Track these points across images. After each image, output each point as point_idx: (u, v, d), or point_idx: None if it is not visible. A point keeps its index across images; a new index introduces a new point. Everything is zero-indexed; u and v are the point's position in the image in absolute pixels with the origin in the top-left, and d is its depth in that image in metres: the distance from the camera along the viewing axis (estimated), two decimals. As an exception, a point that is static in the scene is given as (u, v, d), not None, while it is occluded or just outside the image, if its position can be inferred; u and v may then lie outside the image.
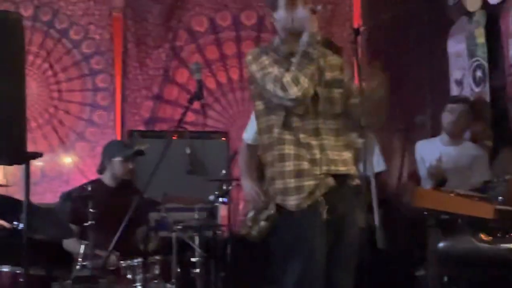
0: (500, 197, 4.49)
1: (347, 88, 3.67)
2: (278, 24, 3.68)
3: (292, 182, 3.50)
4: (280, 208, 3.53)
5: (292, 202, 3.49)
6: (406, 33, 6.57)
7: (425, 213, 4.58)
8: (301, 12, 3.52)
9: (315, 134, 3.55)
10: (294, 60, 3.49)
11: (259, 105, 3.64)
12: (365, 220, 3.58)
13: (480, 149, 5.38)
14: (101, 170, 5.41)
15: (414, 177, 5.45)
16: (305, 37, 3.50)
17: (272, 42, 3.77)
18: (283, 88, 3.43)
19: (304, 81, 3.43)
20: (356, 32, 3.63)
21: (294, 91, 3.42)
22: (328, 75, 3.64)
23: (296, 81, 3.42)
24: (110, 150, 5.41)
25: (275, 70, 3.50)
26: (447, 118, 5.36)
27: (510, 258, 3.87)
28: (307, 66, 3.45)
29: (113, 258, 4.74)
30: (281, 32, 3.68)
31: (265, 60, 3.56)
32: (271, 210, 3.56)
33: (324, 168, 3.52)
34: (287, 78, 3.43)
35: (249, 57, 3.63)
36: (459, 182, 5.09)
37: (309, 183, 3.49)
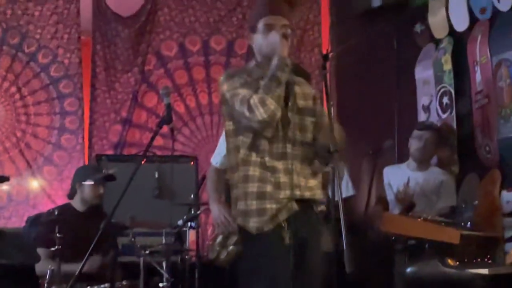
0: (468, 223, 4.54)
1: (318, 119, 3.70)
2: (255, 47, 3.72)
3: (254, 204, 3.50)
4: (241, 229, 3.53)
5: (252, 224, 3.48)
6: (374, 59, 6.62)
7: (393, 238, 4.61)
8: (273, 36, 3.55)
9: (281, 158, 3.55)
10: (262, 82, 3.51)
11: (229, 125, 3.65)
12: (332, 244, 3.59)
13: (447, 175, 5.43)
14: (71, 195, 5.37)
15: (382, 202, 5.48)
16: (274, 61, 3.52)
17: (248, 65, 3.80)
18: (250, 110, 3.45)
19: (271, 104, 3.44)
20: (325, 58, 3.65)
21: (261, 113, 3.43)
22: (301, 103, 3.66)
23: (262, 103, 3.43)
24: (81, 174, 5.38)
25: (244, 92, 3.51)
26: (414, 144, 5.41)
27: (476, 283, 3.89)
28: (274, 89, 3.47)
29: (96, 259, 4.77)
30: (257, 55, 3.71)
31: (236, 81, 3.58)
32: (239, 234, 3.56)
33: (288, 192, 3.52)
34: (255, 100, 3.45)
35: (221, 78, 3.66)
36: (426, 207, 5.14)
37: (271, 206, 3.49)
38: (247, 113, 3.46)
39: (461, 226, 4.50)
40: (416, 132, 5.42)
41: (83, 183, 5.29)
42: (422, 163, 5.43)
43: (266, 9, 3.67)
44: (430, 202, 5.29)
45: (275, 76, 3.49)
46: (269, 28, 3.61)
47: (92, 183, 5.27)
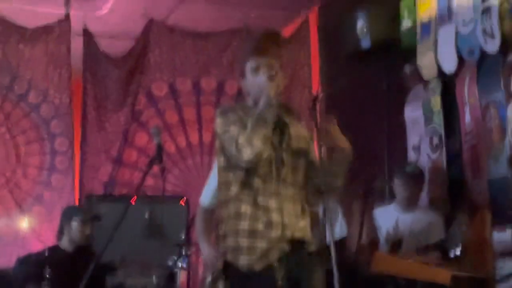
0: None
1: (310, 160, 3.71)
2: (245, 90, 3.74)
3: (244, 242, 3.49)
4: (229, 266, 3.51)
5: (242, 262, 3.47)
6: (364, 99, 6.65)
7: (384, 278, 4.60)
8: (260, 79, 3.58)
9: (274, 197, 3.56)
10: (249, 122, 3.52)
11: (221, 161, 3.66)
12: (324, 284, 3.58)
13: (435, 214, 5.44)
14: (59, 236, 5.36)
15: (374, 244, 5.48)
16: (262, 101, 3.54)
17: (245, 102, 3.82)
18: (237, 149, 3.46)
19: (257, 143, 3.45)
20: (315, 98, 3.68)
21: (247, 153, 3.44)
22: (295, 144, 3.68)
23: (249, 143, 3.44)
24: (67, 214, 5.39)
25: (234, 130, 3.53)
26: (399, 193, 5.42)
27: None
28: (261, 128, 3.48)
29: None
30: (248, 98, 3.73)
31: (230, 117, 3.60)
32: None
33: (279, 232, 3.52)
34: (241, 139, 3.46)
35: (217, 112, 3.67)
36: (415, 247, 5.12)
37: (261, 245, 3.47)
38: (234, 152, 3.48)
39: (451, 262, 4.50)
40: (398, 181, 5.43)
41: (70, 223, 5.28)
42: (410, 205, 5.44)
43: (252, 51, 3.68)
44: (419, 242, 5.28)
45: (261, 116, 3.51)
46: (255, 70, 3.63)
47: (79, 222, 5.26)
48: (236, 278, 3.51)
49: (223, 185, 3.63)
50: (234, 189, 3.56)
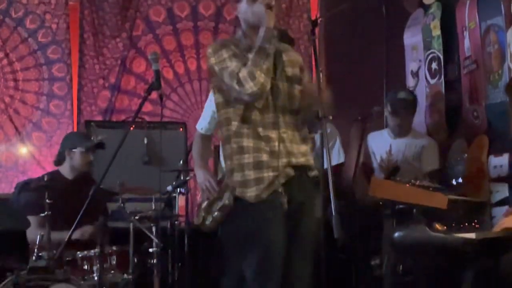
0: (460, 178, 4.58)
1: (304, 87, 3.71)
2: (240, 17, 3.70)
3: (251, 174, 3.53)
4: (238, 199, 3.55)
5: (251, 193, 3.51)
6: (363, 24, 6.61)
7: (381, 203, 4.64)
8: (258, 7, 3.54)
9: (274, 127, 3.58)
10: (250, 55, 3.51)
11: (218, 98, 3.67)
12: (322, 210, 3.62)
13: (429, 139, 5.46)
14: (58, 162, 5.35)
15: (366, 168, 5.51)
16: (261, 32, 3.52)
17: (235, 35, 3.80)
18: (240, 83, 3.46)
19: (260, 76, 3.46)
20: (314, 23, 3.65)
21: (250, 86, 3.45)
22: (289, 71, 3.68)
23: (252, 76, 3.45)
24: (70, 141, 5.35)
25: (232, 65, 3.52)
26: (391, 120, 5.42)
27: (464, 248, 3.92)
28: (263, 61, 3.48)
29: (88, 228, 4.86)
30: (243, 25, 3.71)
31: (224, 53, 3.58)
32: (226, 200, 3.58)
33: (284, 160, 3.55)
34: (243, 73, 3.46)
35: (209, 50, 3.66)
36: (408, 172, 5.15)
37: (268, 174, 3.52)
38: (236, 87, 3.48)
39: (450, 189, 4.53)
40: (390, 107, 5.41)
41: (73, 150, 5.27)
42: (402, 131, 5.45)
43: None
44: (413, 168, 5.32)
45: (262, 48, 3.50)
46: None
47: (83, 150, 5.26)
48: (242, 210, 3.55)
49: (223, 121, 3.65)
50: (235, 124, 3.58)
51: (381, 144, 5.44)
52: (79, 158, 5.26)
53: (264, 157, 3.54)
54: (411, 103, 5.44)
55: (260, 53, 3.49)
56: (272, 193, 3.51)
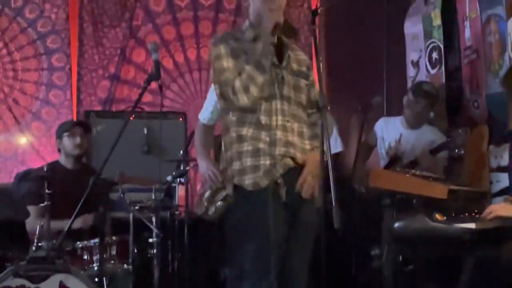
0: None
1: (311, 84, 3.73)
2: (250, 5, 3.71)
3: (248, 161, 3.53)
4: (237, 188, 3.55)
5: (248, 181, 3.52)
6: (363, 14, 6.59)
7: (381, 192, 4.63)
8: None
9: (279, 114, 3.58)
10: (247, 67, 3.50)
11: (217, 88, 3.67)
12: (322, 200, 3.61)
13: (439, 133, 5.41)
14: (59, 153, 5.40)
15: (365, 147, 5.49)
16: (259, 45, 3.52)
17: (240, 26, 3.80)
18: (233, 92, 3.49)
19: (254, 91, 3.48)
20: (314, 13, 3.64)
21: (243, 99, 3.48)
22: (295, 66, 3.69)
23: (246, 90, 3.47)
24: (57, 132, 5.41)
25: (229, 66, 3.53)
26: (408, 111, 5.34)
27: (464, 238, 3.92)
28: (259, 76, 3.47)
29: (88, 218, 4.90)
30: (251, 14, 3.70)
31: (222, 49, 3.59)
32: (228, 191, 3.58)
33: (282, 149, 3.55)
34: (238, 84, 3.47)
35: (210, 44, 3.67)
36: (425, 163, 5.12)
37: (265, 162, 3.52)
38: (230, 95, 3.49)
39: (449, 180, 4.53)
40: (413, 97, 5.33)
41: (62, 138, 5.30)
42: (417, 123, 5.40)
43: None
44: (431, 159, 5.27)
45: (259, 63, 3.49)
46: None
47: (68, 134, 5.28)
48: (241, 198, 3.55)
49: (224, 111, 3.65)
50: (236, 113, 3.58)
51: (392, 131, 5.40)
52: (67, 143, 5.29)
53: (262, 145, 3.54)
54: (433, 98, 5.35)
55: (257, 68, 3.48)
56: (271, 184, 3.51)
